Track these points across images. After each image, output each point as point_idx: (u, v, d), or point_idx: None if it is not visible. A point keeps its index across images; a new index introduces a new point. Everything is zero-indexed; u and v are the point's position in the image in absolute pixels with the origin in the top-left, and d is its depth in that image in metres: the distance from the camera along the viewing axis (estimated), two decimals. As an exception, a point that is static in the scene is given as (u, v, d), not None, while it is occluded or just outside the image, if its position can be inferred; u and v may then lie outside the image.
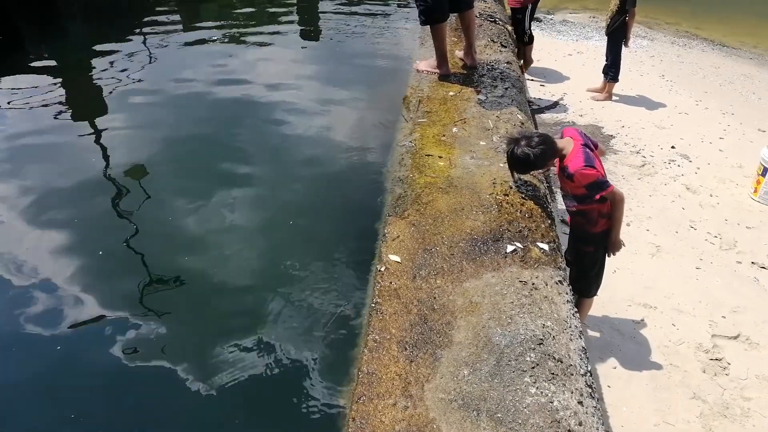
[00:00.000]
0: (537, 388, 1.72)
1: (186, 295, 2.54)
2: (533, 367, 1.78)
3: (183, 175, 3.44)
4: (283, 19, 6.59)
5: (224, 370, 2.09)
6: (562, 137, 2.71)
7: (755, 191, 4.76)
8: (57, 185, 3.30)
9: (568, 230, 3.11)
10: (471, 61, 4.10)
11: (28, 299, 2.51)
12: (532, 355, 1.82)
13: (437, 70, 3.97)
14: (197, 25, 6.39)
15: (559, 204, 4.38)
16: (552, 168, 2.90)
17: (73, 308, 2.46)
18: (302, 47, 5.63)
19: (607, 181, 2.55)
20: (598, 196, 2.53)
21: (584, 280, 2.92)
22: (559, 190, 4.66)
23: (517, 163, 2.57)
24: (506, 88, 3.76)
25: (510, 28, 5.79)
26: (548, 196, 2.83)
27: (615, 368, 3.06)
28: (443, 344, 1.87)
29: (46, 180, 3.36)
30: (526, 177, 2.73)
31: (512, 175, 2.67)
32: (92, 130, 3.97)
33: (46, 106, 4.27)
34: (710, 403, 2.90)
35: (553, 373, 1.78)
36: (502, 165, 2.88)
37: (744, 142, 5.75)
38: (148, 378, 2.15)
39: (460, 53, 4.22)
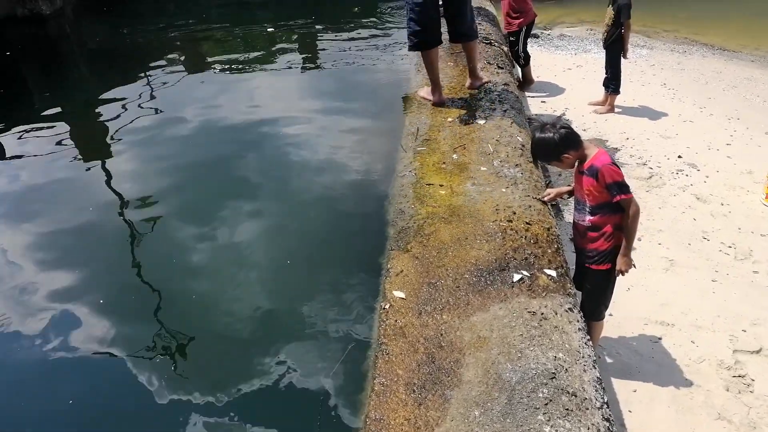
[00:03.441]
0: (551, 426, 1.66)
1: (187, 337, 2.53)
2: (546, 404, 1.72)
3: (190, 211, 3.50)
4: (283, 53, 6.67)
5: (227, 424, 2.05)
6: None
7: (767, 197, 4.67)
8: (70, 224, 3.42)
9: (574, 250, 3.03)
10: (470, 84, 4.08)
11: (43, 332, 2.58)
12: (544, 390, 1.77)
13: (431, 98, 3.94)
14: (199, 63, 6.51)
15: (566, 219, 4.33)
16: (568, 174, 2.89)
17: (84, 344, 2.51)
18: (303, 81, 5.68)
19: (629, 187, 2.52)
20: (618, 198, 2.47)
21: (595, 303, 2.83)
22: (566, 209, 4.63)
23: (540, 145, 2.60)
24: (505, 111, 3.74)
25: (506, 48, 5.81)
26: (554, 219, 2.78)
27: (635, 391, 2.97)
28: (452, 384, 1.82)
29: (59, 219, 3.49)
30: (534, 198, 2.69)
31: (536, 165, 2.67)
32: (102, 171, 4.06)
33: (55, 151, 4.39)
34: (736, 423, 2.80)
35: (567, 409, 1.71)
36: (504, 190, 2.85)
37: (752, 147, 5.66)
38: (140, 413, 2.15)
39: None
